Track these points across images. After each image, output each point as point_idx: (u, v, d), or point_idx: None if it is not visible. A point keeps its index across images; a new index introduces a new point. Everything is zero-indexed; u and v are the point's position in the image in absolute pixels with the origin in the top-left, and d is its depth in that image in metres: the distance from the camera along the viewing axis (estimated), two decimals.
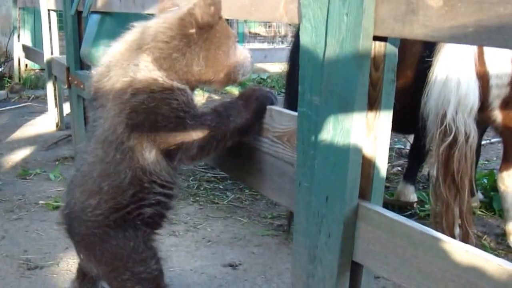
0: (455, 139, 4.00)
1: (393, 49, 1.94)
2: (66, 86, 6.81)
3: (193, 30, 2.61)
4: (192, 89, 2.73)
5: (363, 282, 2.17)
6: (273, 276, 4.10)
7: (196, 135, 2.58)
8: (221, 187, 6.12)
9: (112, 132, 2.61)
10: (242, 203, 5.66)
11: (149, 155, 2.62)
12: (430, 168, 4.51)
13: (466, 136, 3.99)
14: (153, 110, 2.55)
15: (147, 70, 2.58)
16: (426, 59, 4.13)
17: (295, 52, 4.50)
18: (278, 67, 12.97)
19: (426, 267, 1.77)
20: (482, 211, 5.35)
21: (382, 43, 1.92)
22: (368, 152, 2.02)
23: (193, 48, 2.63)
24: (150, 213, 2.81)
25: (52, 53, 8.58)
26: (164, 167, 2.68)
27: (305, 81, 2.13)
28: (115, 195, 2.69)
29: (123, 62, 2.64)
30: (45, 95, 9.69)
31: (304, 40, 2.10)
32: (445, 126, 4.00)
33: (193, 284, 3.95)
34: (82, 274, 3.38)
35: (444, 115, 3.99)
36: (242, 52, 2.82)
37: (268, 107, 2.64)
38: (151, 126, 2.57)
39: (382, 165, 2.06)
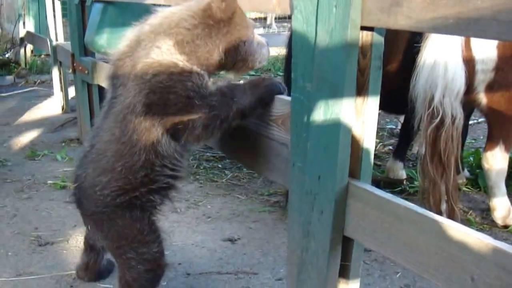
0: (442, 121, 4.04)
1: (379, 39, 1.98)
2: (70, 71, 6.85)
3: (213, 22, 2.66)
4: (210, 75, 2.76)
5: (354, 255, 2.22)
6: (270, 250, 4.14)
7: (202, 114, 2.61)
8: (219, 166, 6.15)
9: (131, 110, 2.65)
10: (240, 181, 5.69)
11: (161, 136, 2.66)
12: (419, 147, 4.55)
13: (452, 118, 4.03)
14: (168, 90, 2.59)
15: (169, 53, 2.62)
16: (415, 44, 4.17)
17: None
18: (274, 51, 12.95)
19: (411, 240, 1.82)
20: (468, 188, 5.38)
21: (369, 33, 1.97)
22: (357, 134, 2.07)
23: (214, 39, 2.68)
24: (158, 197, 2.89)
25: (57, 40, 8.58)
26: (175, 149, 2.73)
27: (298, 69, 2.18)
28: (126, 175, 2.73)
29: (146, 44, 2.68)
30: (51, 80, 9.68)
31: (296, 30, 2.15)
32: (433, 108, 4.04)
33: (195, 258, 4.00)
34: (88, 246, 3.45)
35: (432, 98, 4.03)
36: (259, 40, 2.87)
37: None
38: (163, 105, 2.62)
39: (370, 147, 2.11)
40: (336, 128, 2.01)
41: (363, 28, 1.94)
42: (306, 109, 2.15)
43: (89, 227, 3.08)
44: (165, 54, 2.63)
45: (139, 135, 2.66)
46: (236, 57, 2.78)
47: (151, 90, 2.61)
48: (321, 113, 2.06)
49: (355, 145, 2.08)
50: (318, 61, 2.04)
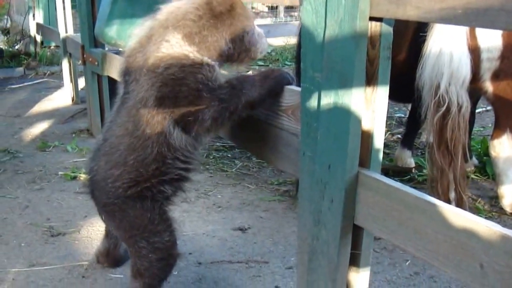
0: (448, 109, 4.04)
1: (388, 29, 1.99)
2: (80, 63, 6.86)
3: (216, 14, 2.71)
4: (220, 66, 2.81)
5: (364, 244, 2.24)
6: (280, 239, 4.16)
7: (211, 107, 2.65)
8: (229, 155, 6.16)
9: (144, 105, 2.70)
10: (250, 170, 5.71)
11: (173, 129, 2.71)
12: (427, 135, 4.55)
13: (458, 107, 4.04)
14: (180, 82, 2.64)
15: (178, 46, 2.67)
16: (421, 34, 4.18)
17: None
18: (282, 41, 12.94)
19: (420, 229, 1.83)
20: (476, 175, 5.39)
21: (378, 23, 1.97)
22: (366, 124, 2.08)
23: (220, 30, 2.73)
24: (169, 188, 2.93)
25: (66, 31, 8.59)
26: (187, 142, 2.77)
27: (307, 59, 2.19)
28: (138, 168, 2.78)
29: (156, 39, 2.73)
30: (60, 71, 9.70)
31: (305, 21, 2.16)
32: (439, 97, 4.04)
33: (206, 247, 4.02)
34: (109, 232, 3.50)
35: (438, 87, 4.04)
36: (259, 31, 2.92)
37: None
38: (173, 97, 2.67)
39: (380, 136, 2.12)
40: (346, 117, 2.02)
41: (372, 18, 1.95)
42: (316, 99, 2.16)
43: (103, 218, 3.14)
44: (175, 47, 2.68)
45: (151, 128, 2.71)
46: (241, 47, 2.83)
47: (163, 83, 2.66)
48: (331, 103, 2.07)
49: (365, 135, 2.09)
50: (328, 52, 2.05)
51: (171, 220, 3.07)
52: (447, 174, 4.18)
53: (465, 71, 4.03)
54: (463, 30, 4.01)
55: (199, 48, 2.69)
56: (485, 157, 5.50)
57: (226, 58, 2.81)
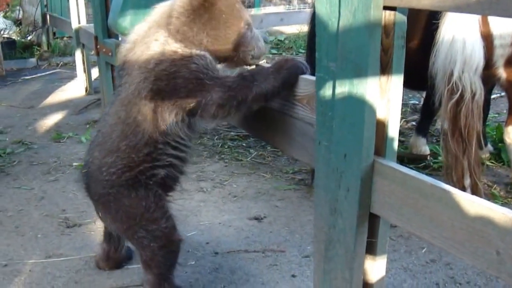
0: (462, 96, 4.05)
1: (402, 18, 2.00)
2: (92, 53, 6.89)
3: (195, 9, 2.79)
4: (215, 59, 2.86)
5: (380, 232, 2.25)
6: (296, 227, 4.19)
7: (215, 93, 2.70)
8: (244, 144, 6.18)
9: (137, 95, 2.79)
10: (265, 159, 5.73)
11: (169, 116, 2.79)
12: (441, 123, 4.55)
13: (472, 93, 4.05)
14: (174, 75, 2.73)
15: (167, 44, 2.78)
16: (433, 21, 4.18)
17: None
18: (295, 29, 12.93)
19: (436, 216, 1.84)
20: (492, 162, 5.39)
21: (392, 12, 1.98)
22: (381, 113, 2.09)
23: (199, 24, 2.80)
24: (163, 174, 2.98)
25: (79, 22, 8.62)
26: (181, 129, 2.86)
27: (322, 49, 2.20)
28: (130, 154, 2.87)
29: (146, 39, 2.85)
30: (73, 62, 9.75)
31: (320, 10, 2.17)
32: (452, 84, 4.06)
33: (222, 236, 4.05)
34: (108, 234, 3.53)
35: (451, 74, 4.05)
36: (255, 35, 2.94)
37: None
38: (172, 90, 2.74)
39: (395, 125, 2.13)
40: (361, 106, 2.03)
41: (385, 7, 1.96)
42: (331, 89, 2.17)
43: (99, 214, 3.17)
44: (164, 45, 2.79)
45: (143, 115, 2.80)
46: (227, 45, 2.86)
47: (156, 77, 2.76)
48: (346, 92, 2.08)
49: (380, 124, 2.10)
50: (342, 41, 2.06)
51: (167, 206, 3.11)
52: (461, 161, 4.19)
53: (478, 58, 4.03)
54: (476, 17, 4.01)
55: (185, 44, 2.78)
56: (500, 144, 5.50)
57: (214, 53, 2.86)
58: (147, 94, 2.76)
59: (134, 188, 2.93)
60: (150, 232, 2.99)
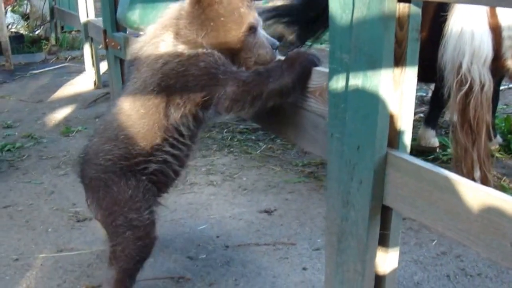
0: (470, 88, 4.06)
1: (416, 10, 2.00)
2: (100, 47, 6.90)
3: (192, 11, 2.85)
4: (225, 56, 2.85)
5: (393, 224, 2.25)
6: (306, 220, 4.19)
7: (229, 87, 2.71)
8: (253, 137, 6.19)
9: (142, 89, 2.83)
10: (274, 152, 5.73)
11: (174, 112, 2.82)
12: (450, 115, 4.55)
13: (481, 85, 4.05)
14: (183, 74, 2.75)
15: (173, 45, 2.82)
16: (442, 14, 4.18)
17: None
18: None
19: (451, 208, 1.83)
20: (501, 154, 5.39)
21: (406, 5, 1.98)
22: (395, 105, 2.09)
23: (196, 26, 2.83)
24: (155, 168, 2.99)
25: (87, 16, 8.62)
26: (186, 124, 2.89)
27: (335, 41, 2.20)
28: (127, 145, 2.90)
29: (154, 40, 2.90)
30: (81, 56, 9.76)
31: (333, 3, 2.17)
32: (461, 76, 4.06)
33: (233, 230, 4.06)
34: None
35: (460, 66, 4.05)
36: (257, 43, 2.92)
37: None
38: (182, 87, 2.77)
39: (408, 117, 2.12)
40: (374, 98, 2.03)
41: (400, 0, 1.96)
42: (343, 80, 2.17)
43: (88, 201, 3.19)
44: (170, 46, 2.83)
45: (146, 109, 2.83)
46: (228, 48, 2.85)
47: (164, 75, 2.79)
48: (359, 84, 2.08)
49: (394, 115, 2.10)
50: (356, 33, 2.06)
51: (154, 203, 3.10)
52: (471, 153, 4.19)
53: (487, 50, 4.03)
54: (484, 9, 4.01)
55: (189, 45, 2.81)
56: (509, 135, 5.50)
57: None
58: (153, 89, 2.80)
59: (126, 176, 2.95)
60: (129, 221, 2.97)
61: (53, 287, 3.38)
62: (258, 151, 5.73)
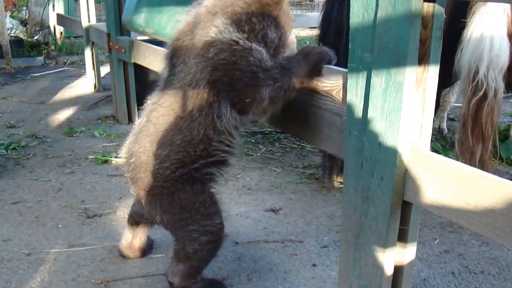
0: (485, 94, 4.06)
1: (440, 9, 2.00)
2: (101, 51, 6.88)
3: (264, 3, 2.75)
4: (268, 52, 2.82)
5: (412, 219, 2.25)
6: (312, 219, 4.18)
7: (267, 87, 2.68)
8: (252, 140, 6.17)
9: (193, 87, 2.72)
10: (274, 154, 5.72)
11: (225, 111, 2.74)
12: (461, 119, 4.52)
13: (495, 92, 4.06)
14: (232, 66, 2.67)
15: (227, 32, 2.71)
16: (461, 20, 4.18)
17: (327, 18, 4.58)
18: (306, 32, 12.93)
19: (475, 203, 1.84)
20: (492, 160, 5.42)
21: (431, 4, 1.98)
22: (417, 102, 2.09)
23: (267, 19, 2.75)
24: (215, 170, 2.94)
25: (89, 21, 8.61)
26: (233, 123, 2.80)
27: (356, 40, 2.20)
28: (186, 148, 2.79)
29: (204, 24, 2.76)
30: (80, 60, 9.78)
31: (355, 3, 2.17)
32: (477, 82, 4.06)
33: (241, 227, 4.04)
34: (133, 223, 3.47)
35: (477, 72, 4.05)
36: (293, 38, 2.98)
37: None
38: (229, 81, 2.70)
39: (430, 114, 2.13)
40: (398, 96, 2.03)
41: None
42: (364, 79, 2.17)
43: (143, 203, 3.06)
44: (224, 33, 2.71)
45: (199, 110, 2.73)
46: (275, 42, 2.83)
47: (214, 67, 2.69)
48: (382, 82, 2.08)
49: (416, 112, 2.10)
50: (380, 32, 2.05)
51: (219, 202, 3.08)
52: (475, 157, 4.20)
53: (504, 58, 4.04)
54: (504, 17, 4.01)
55: (248, 36, 2.72)
56: (499, 142, 5.55)
57: (272, 51, 2.82)
58: (205, 86, 2.71)
59: (189, 183, 2.88)
60: (203, 227, 2.95)
61: (68, 281, 3.35)
62: (259, 154, 5.71)
